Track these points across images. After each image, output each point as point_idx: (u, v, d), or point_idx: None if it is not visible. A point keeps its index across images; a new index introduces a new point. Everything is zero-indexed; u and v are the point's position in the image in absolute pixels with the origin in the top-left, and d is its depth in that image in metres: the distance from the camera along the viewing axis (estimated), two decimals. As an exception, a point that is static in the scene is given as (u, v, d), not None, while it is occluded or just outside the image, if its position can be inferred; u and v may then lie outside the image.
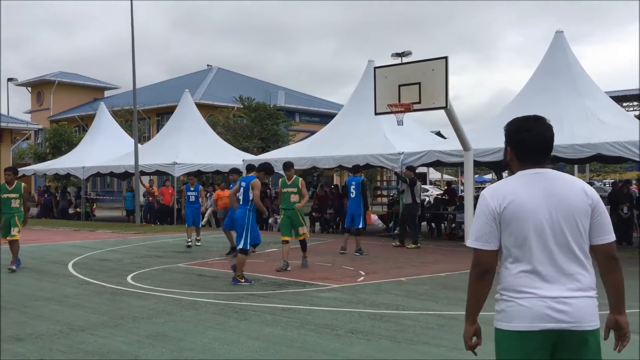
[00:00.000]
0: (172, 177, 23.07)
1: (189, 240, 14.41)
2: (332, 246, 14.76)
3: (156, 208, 22.97)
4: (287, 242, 10.61)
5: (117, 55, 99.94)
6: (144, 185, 23.21)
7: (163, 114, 39.28)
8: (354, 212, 13.29)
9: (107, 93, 52.66)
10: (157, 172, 24.87)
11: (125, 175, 27.09)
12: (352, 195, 13.38)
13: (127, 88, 43.87)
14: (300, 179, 11.03)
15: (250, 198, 9.38)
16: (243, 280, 9.06)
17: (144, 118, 40.35)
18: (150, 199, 23.12)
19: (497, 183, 2.92)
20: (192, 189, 14.88)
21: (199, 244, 14.63)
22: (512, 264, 2.73)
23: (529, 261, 2.68)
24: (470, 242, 2.81)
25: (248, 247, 9.41)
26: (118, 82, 59.67)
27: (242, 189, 9.55)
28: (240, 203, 9.51)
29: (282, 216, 10.95)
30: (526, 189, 2.73)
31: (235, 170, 12.72)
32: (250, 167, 10.43)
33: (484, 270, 2.75)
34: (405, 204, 14.65)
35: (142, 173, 23.71)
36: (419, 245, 14.22)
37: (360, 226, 13.35)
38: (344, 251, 13.15)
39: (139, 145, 23.42)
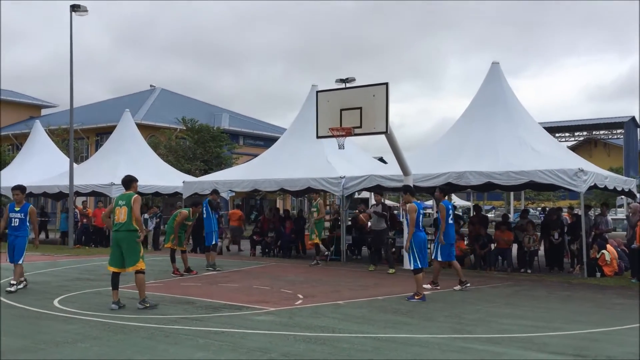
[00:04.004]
0: (109, 198, 22.38)
1: (13, 282, 10.38)
2: (271, 270, 14.59)
3: (91, 230, 22.21)
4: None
5: (58, 73, 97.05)
6: (76, 207, 22.44)
7: (102, 134, 38.25)
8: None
9: (44, 111, 51.02)
10: (94, 193, 24.07)
11: (60, 196, 26.11)
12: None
13: (66, 107, 42.56)
14: (320, 200, 15.87)
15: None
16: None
17: (82, 138, 39.20)
18: (85, 220, 22.34)
19: None
20: (17, 209, 10.60)
21: (18, 287, 10.44)
22: None
23: None
24: None
25: None
26: (57, 101, 57.76)
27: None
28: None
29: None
30: None
31: (215, 191, 15.53)
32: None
33: None
34: (378, 230, 14.91)
35: (78, 194, 22.92)
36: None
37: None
38: None
39: (75, 165, 22.66)
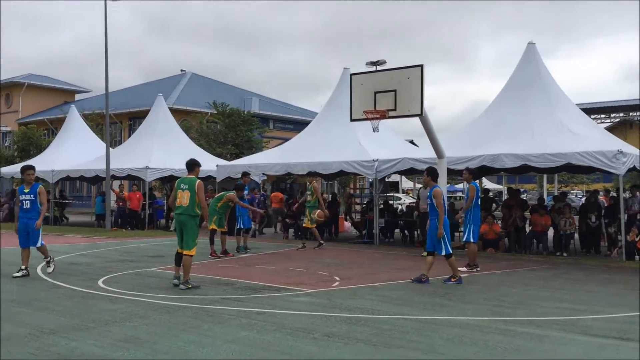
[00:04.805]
0: (143, 181, 22.79)
1: (23, 267, 10.15)
2: (306, 252, 14.73)
3: (127, 213, 22.66)
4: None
5: (90, 58, 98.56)
6: (114, 190, 22.90)
7: (135, 119, 38.82)
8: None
9: (78, 96, 51.88)
10: (129, 177, 24.53)
11: (96, 180, 26.64)
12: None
13: (99, 91, 43.22)
14: (314, 183, 15.57)
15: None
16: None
17: (116, 122, 39.83)
18: (121, 204, 22.80)
19: None
20: (26, 190, 10.26)
21: (52, 264, 10.63)
22: None
23: None
24: None
25: None
26: (90, 86, 58.74)
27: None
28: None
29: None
30: None
31: (245, 173, 15.62)
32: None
33: None
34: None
35: (114, 177, 23.39)
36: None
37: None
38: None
39: (110, 149, 23.09)
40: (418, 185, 34.94)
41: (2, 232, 18.65)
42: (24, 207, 10.14)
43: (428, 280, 9.78)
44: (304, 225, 15.92)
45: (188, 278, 9.02)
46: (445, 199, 10.16)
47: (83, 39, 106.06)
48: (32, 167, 10.40)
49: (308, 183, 15.78)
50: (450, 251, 9.91)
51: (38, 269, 10.99)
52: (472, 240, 11.35)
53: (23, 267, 10.13)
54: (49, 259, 10.54)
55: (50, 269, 10.37)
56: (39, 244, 10.28)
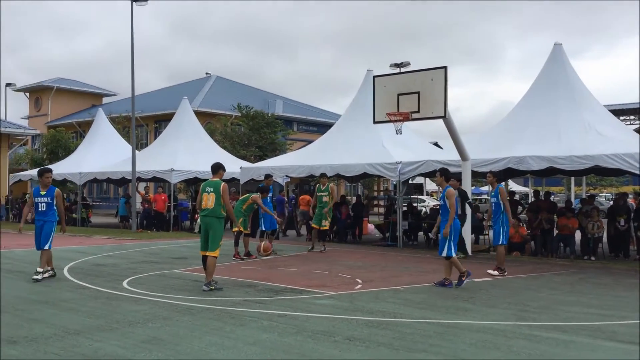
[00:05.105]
0: (168, 183, 23.04)
1: (39, 270, 9.91)
2: (328, 254, 14.71)
3: (152, 215, 22.93)
4: (314, 228, 15.59)
5: (116, 61, 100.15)
6: (139, 192, 23.18)
7: (161, 121, 39.28)
8: None
9: (105, 99, 52.69)
10: (154, 179, 24.83)
11: (122, 182, 27.02)
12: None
13: (125, 95, 43.88)
14: (331, 184, 15.77)
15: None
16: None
17: (142, 125, 40.36)
18: (146, 205, 23.07)
19: None
20: (43, 193, 10.12)
21: (44, 275, 9.96)
22: None
23: None
24: None
25: None
26: (116, 89, 59.98)
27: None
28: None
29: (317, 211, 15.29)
30: None
31: (268, 175, 15.67)
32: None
33: None
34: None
35: (139, 179, 23.68)
36: (465, 255, 14.03)
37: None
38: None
39: (137, 151, 23.39)
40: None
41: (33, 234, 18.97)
42: (40, 209, 9.96)
43: (451, 284, 9.68)
44: (322, 228, 15.54)
45: (211, 279, 9.09)
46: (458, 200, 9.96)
47: (110, 42, 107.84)
48: (50, 170, 10.32)
49: (322, 185, 15.47)
50: (453, 254, 9.68)
51: (65, 270, 11.17)
52: (504, 242, 11.24)
53: (49, 267, 10.11)
54: (48, 269, 10.06)
55: (38, 277, 9.73)
56: (46, 247, 9.93)
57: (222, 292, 8.91)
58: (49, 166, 20.93)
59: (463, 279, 9.73)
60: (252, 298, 8.46)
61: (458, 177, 14.41)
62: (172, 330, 6.45)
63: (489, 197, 28.47)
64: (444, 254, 9.72)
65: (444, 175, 10.08)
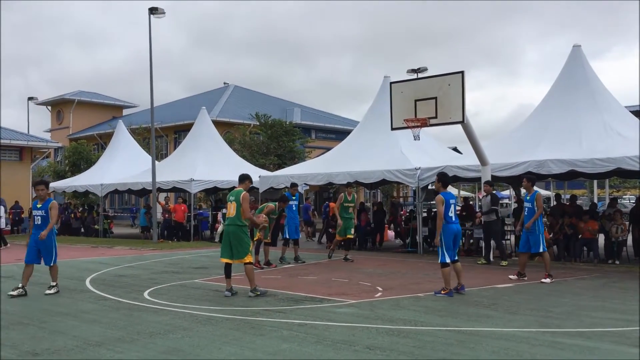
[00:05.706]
0: (188, 193, 23.19)
1: (53, 284, 9.91)
2: (348, 262, 14.65)
3: (172, 225, 23.09)
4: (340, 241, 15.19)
5: (138, 72, 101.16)
6: (159, 202, 23.37)
7: (180, 132, 39.61)
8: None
9: (125, 111, 53.36)
10: (174, 189, 25.01)
11: (143, 192, 27.27)
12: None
13: (145, 106, 44.39)
14: (355, 195, 15.50)
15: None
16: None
17: (162, 136, 40.73)
18: (167, 215, 23.24)
19: None
20: (39, 206, 9.82)
21: (51, 291, 9.85)
22: None
23: None
24: None
25: None
26: (136, 100, 60.59)
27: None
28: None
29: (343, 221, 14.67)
30: None
31: (293, 184, 15.71)
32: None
33: None
34: (488, 221, 14.26)
35: (160, 190, 23.87)
36: (506, 262, 13.86)
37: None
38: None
39: (156, 162, 23.59)
40: (463, 193, 34.49)
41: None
42: (36, 222, 9.72)
43: (464, 288, 9.58)
44: (347, 236, 15.14)
45: (255, 285, 9.39)
46: (451, 205, 9.69)
47: (132, 54, 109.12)
48: (42, 182, 9.98)
49: (348, 195, 14.79)
50: (447, 260, 9.47)
51: (87, 281, 11.28)
52: (545, 249, 11.18)
53: (20, 285, 9.66)
54: (54, 284, 9.90)
55: (50, 291, 9.76)
56: (52, 263, 9.81)
57: (242, 301, 8.93)
58: (80, 177, 20.99)
59: (442, 292, 9.40)
60: (272, 307, 8.45)
61: (491, 182, 14.37)
62: (192, 341, 6.47)
63: (509, 202, 28.08)
64: (439, 260, 9.59)
65: (441, 181, 9.89)
